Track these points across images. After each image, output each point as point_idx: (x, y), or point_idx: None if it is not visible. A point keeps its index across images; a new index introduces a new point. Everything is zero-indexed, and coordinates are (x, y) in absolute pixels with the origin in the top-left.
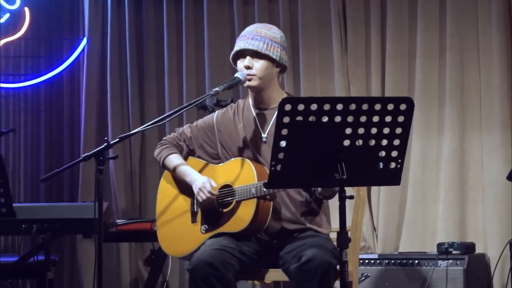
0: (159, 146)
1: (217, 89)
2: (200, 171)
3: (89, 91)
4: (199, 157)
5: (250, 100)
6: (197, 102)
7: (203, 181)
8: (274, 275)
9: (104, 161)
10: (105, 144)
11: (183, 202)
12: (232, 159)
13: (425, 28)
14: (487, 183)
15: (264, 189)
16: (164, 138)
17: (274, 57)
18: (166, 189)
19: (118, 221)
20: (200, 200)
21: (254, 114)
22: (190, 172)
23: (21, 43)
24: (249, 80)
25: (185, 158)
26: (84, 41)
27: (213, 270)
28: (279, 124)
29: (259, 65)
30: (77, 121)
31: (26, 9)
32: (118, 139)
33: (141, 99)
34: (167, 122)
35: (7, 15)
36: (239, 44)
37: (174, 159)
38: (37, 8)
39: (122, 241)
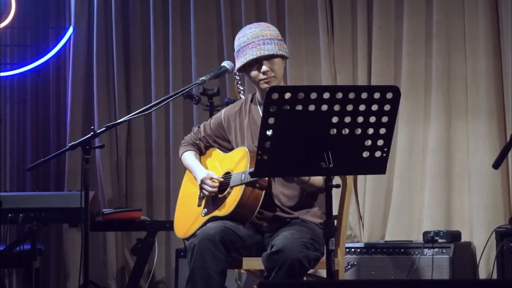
0: (180, 146)
1: (203, 78)
2: (211, 161)
3: (75, 80)
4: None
5: (258, 96)
6: (184, 91)
7: (202, 177)
8: (252, 263)
9: (90, 150)
10: (91, 133)
11: (195, 189)
12: (237, 148)
13: (412, 16)
14: (473, 171)
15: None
16: (184, 137)
17: (286, 54)
18: (186, 180)
19: (104, 210)
20: (206, 193)
21: (260, 109)
22: (195, 168)
23: (7, 32)
24: (267, 82)
25: (205, 152)
26: (70, 30)
27: (213, 247)
28: (265, 113)
29: (275, 66)
30: (63, 110)
31: None
32: (104, 128)
33: (127, 88)
34: (154, 111)
35: None
36: (252, 53)
37: (187, 157)
38: None
39: (108, 230)
